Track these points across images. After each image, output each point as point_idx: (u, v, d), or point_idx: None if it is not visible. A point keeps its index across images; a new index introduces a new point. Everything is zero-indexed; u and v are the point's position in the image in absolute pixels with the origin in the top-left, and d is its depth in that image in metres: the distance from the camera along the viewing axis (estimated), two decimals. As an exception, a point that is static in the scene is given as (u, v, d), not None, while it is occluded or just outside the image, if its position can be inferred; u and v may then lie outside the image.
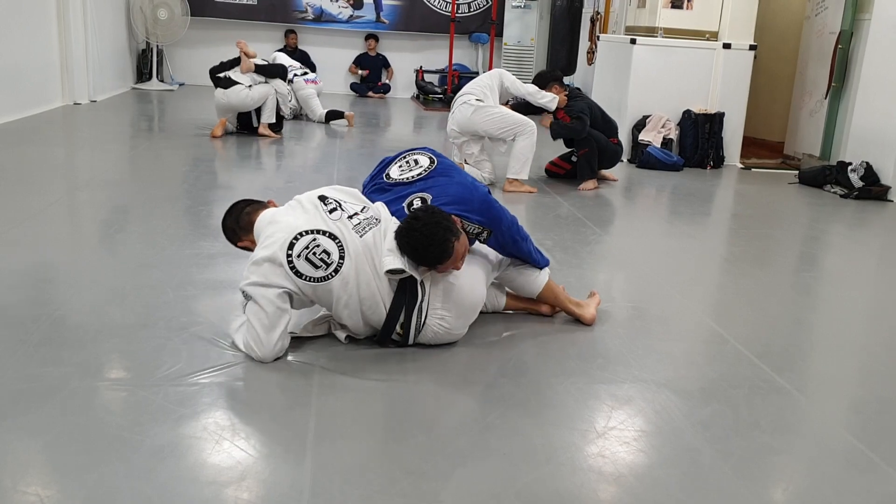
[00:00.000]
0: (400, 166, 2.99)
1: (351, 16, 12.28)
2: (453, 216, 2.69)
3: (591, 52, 9.26)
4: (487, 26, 12.09)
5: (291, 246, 2.53)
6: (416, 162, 2.98)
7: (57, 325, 2.80)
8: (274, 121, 7.52)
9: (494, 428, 2.26)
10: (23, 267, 3.43)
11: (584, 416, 2.36)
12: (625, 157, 7.22)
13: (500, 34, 12.01)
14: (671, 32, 7.15)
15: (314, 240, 2.55)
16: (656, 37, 7.13)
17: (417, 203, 2.82)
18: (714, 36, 7.16)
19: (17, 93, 7.64)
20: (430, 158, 2.98)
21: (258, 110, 7.43)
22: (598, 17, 9.32)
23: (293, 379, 2.50)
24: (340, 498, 1.88)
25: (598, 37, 8.57)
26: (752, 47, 7.16)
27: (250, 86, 7.25)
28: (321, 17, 12.23)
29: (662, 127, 7.06)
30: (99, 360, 2.56)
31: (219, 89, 7.24)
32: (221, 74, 7.26)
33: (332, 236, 2.58)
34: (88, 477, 1.91)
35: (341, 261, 2.56)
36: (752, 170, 7.22)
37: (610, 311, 3.29)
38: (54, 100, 8.65)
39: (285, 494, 1.88)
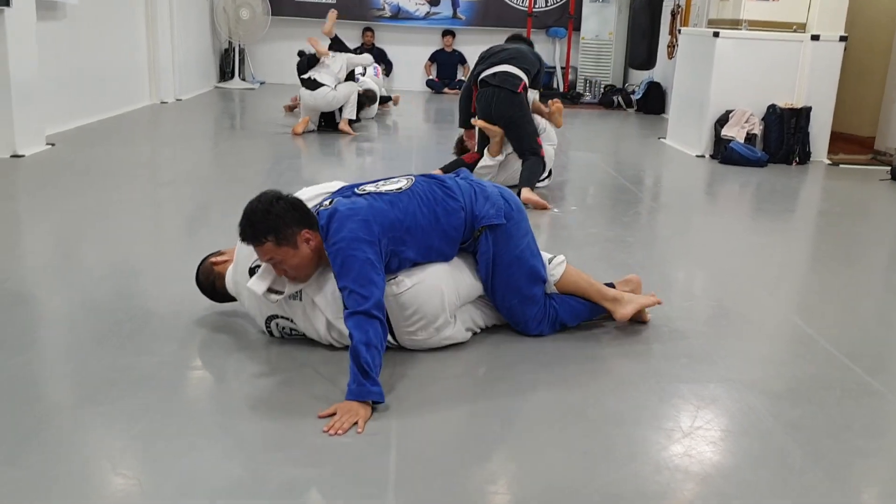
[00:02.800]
0: (377, 184, 2.70)
1: (427, 12, 12.33)
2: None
3: (672, 46, 9.07)
4: (565, 20, 11.99)
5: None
6: (394, 181, 2.72)
7: (146, 317, 2.89)
8: (355, 117, 7.61)
9: (574, 425, 2.24)
10: (111, 260, 3.55)
11: (668, 415, 2.33)
12: (707, 153, 7.07)
13: (577, 28, 11.89)
14: (756, 24, 6.95)
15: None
16: (740, 29, 6.94)
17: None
18: (802, 27, 6.94)
19: (107, 93, 7.93)
20: (410, 179, 2.72)
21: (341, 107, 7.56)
22: (679, 10, 9.13)
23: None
24: (422, 486, 1.90)
25: (679, 30, 8.40)
26: (842, 38, 6.90)
27: (335, 86, 7.36)
28: (398, 15, 12.31)
29: (746, 122, 6.87)
30: (188, 351, 2.64)
31: (304, 90, 7.38)
32: (307, 76, 7.39)
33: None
34: (182, 462, 1.97)
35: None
36: (841, 166, 6.97)
37: (693, 310, 3.23)
38: (142, 99, 8.94)
39: (371, 477, 1.90)
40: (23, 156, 5.58)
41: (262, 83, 12.06)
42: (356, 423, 2.13)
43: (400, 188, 2.62)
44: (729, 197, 5.92)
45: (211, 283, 2.88)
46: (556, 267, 2.88)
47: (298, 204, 2.51)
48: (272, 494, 1.84)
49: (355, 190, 2.64)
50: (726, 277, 3.76)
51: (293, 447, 2.06)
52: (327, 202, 2.55)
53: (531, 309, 2.77)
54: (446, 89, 12.21)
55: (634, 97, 10.94)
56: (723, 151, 6.80)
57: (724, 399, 2.43)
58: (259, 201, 2.47)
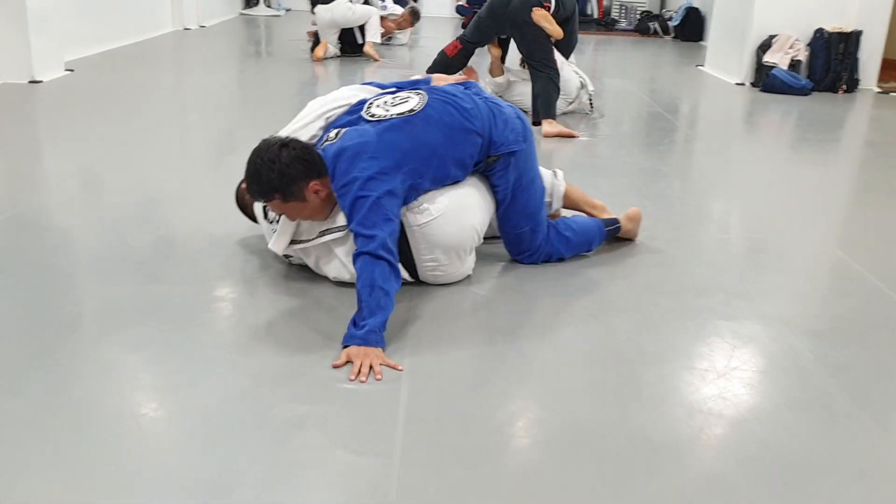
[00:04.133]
0: (385, 102, 2.49)
1: (458, -65, 11.88)
2: None
3: (713, -32, 8.64)
4: (600, -57, 11.52)
5: None
6: (404, 99, 2.49)
7: (161, 243, 2.79)
8: (378, 40, 7.37)
9: (601, 364, 2.10)
10: (130, 186, 3.44)
11: (703, 354, 2.18)
12: (747, 81, 6.75)
13: (613, -49, 11.43)
14: (804, -58, 6.55)
15: None
16: (787, -53, 6.55)
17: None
18: (853, -56, 6.53)
19: (129, 18, 7.75)
20: (422, 97, 2.48)
21: (362, 28, 7.30)
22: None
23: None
24: (435, 427, 1.78)
25: (722, -50, 7.97)
26: (896, -44, 6.50)
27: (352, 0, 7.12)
28: (427, -62, 11.89)
29: (790, 48, 6.53)
30: (201, 279, 2.53)
31: (320, 6, 7.13)
32: None
33: None
34: (185, 395, 1.87)
35: None
36: (891, 94, 6.63)
37: (730, 243, 3.06)
38: (164, 25, 8.75)
39: (380, 415, 1.79)
40: (41, 81, 5.46)
41: (287, 10, 11.79)
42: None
43: (412, 109, 2.42)
44: (769, 126, 5.65)
45: (244, 206, 2.78)
46: (561, 182, 2.83)
47: (303, 154, 2.26)
48: (277, 431, 1.74)
49: (363, 115, 2.44)
50: (765, 210, 3.56)
51: (301, 383, 1.94)
52: (332, 134, 2.38)
53: (539, 236, 2.65)
54: (477, 16, 11.85)
55: (672, 24, 10.53)
56: (764, 79, 6.49)
57: (762, 337, 2.27)
58: (261, 157, 2.23)
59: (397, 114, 2.40)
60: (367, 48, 7.27)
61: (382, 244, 2.14)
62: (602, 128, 5.00)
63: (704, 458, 1.72)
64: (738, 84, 6.79)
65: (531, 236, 2.64)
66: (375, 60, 7.23)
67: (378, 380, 1.96)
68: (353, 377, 1.95)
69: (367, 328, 2.05)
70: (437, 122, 2.40)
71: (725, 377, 2.04)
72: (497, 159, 2.50)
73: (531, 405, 1.93)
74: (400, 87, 2.65)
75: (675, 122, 5.37)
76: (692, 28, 10.05)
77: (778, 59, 6.49)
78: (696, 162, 4.52)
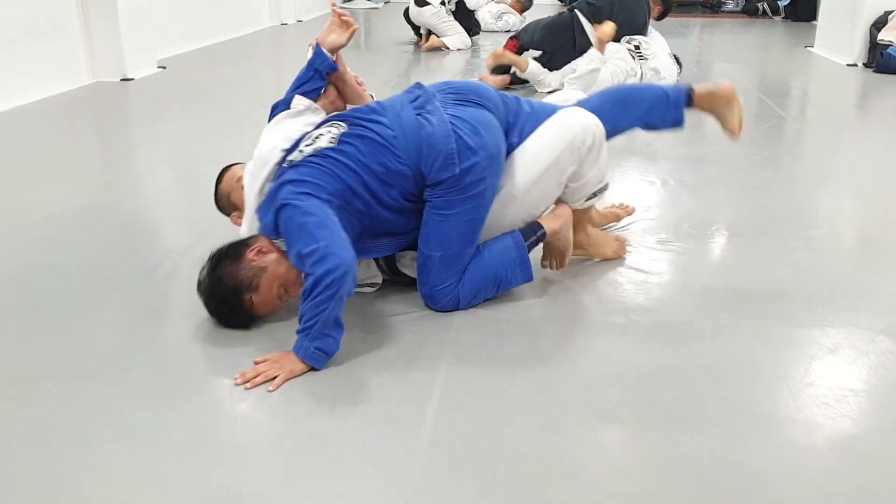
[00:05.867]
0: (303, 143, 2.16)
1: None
2: None
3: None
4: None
5: None
6: (317, 132, 2.18)
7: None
8: (458, 46, 7.33)
9: (658, 380, 1.90)
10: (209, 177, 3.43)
11: (774, 367, 1.95)
12: (860, 61, 6.27)
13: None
14: None
15: None
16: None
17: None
18: None
19: (225, 15, 7.88)
20: (338, 127, 2.16)
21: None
22: None
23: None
24: (461, 450, 1.64)
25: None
26: None
27: (443, 2, 7.09)
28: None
29: (909, 24, 6.02)
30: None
31: (413, 6, 7.34)
32: None
33: None
34: (198, 401, 1.80)
35: None
36: None
37: (823, 240, 2.78)
38: (262, 21, 8.88)
39: (403, 433, 1.67)
40: (132, 79, 5.58)
41: (386, 2, 11.80)
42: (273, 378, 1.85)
43: (326, 146, 2.09)
44: (883, 111, 5.20)
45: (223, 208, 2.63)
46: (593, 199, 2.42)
47: (227, 256, 2.06)
48: (294, 446, 1.64)
49: (283, 164, 2.13)
50: (872, 205, 3.23)
51: (320, 396, 1.84)
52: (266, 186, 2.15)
53: (449, 274, 2.17)
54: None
55: (782, 3, 9.96)
56: (878, 59, 6.00)
57: (846, 349, 2.02)
58: (208, 293, 2.07)
59: (311, 155, 2.09)
60: (430, 43, 7.24)
61: (321, 259, 1.87)
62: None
63: (770, 490, 1.51)
64: (849, 65, 6.32)
65: (439, 268, 2.16)
66: (443, 49, 7.22)
67: (269, 391, 1.83)
68: (237, 378, 1.85)
69: (302, 341, 1.89)
70: (351, 167, 2.06)
71: (798, 396, 1.81)
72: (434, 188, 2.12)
73: (578, 430, 1.76)
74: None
75: (777, 106, 5.00)
76: (804, 7, 9.48)
77: (894, 36, 5.99)
78: (795, 150, 4.19)
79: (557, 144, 2.22)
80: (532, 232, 2.25)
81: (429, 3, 7.20)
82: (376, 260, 2.31)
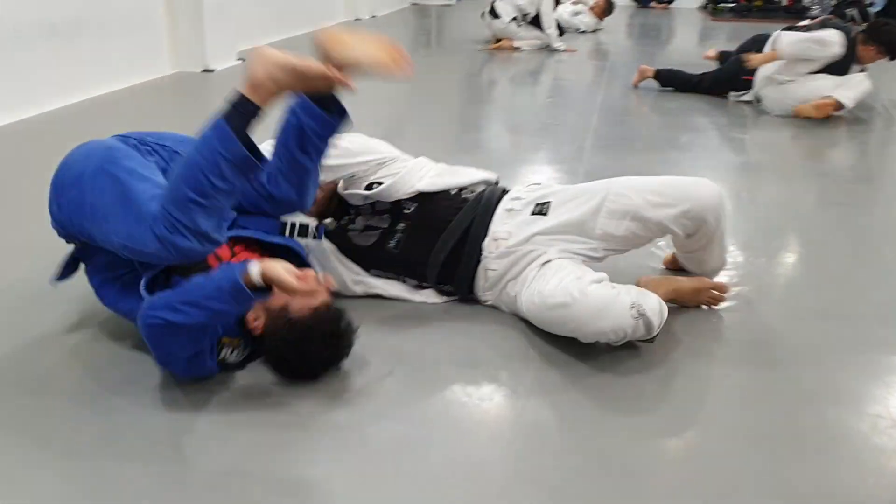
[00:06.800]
0: None
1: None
2: None
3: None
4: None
5: None
6: None
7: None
8: (529, 46, 7.22)
9: (752, 405, 1.83)
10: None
11: (875, 396, 1.86)
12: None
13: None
14: None
15: None
16: None
17: None
18: None
19: (302, 8, 7.96)
20: None
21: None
22: None
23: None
24: (551, 461, 1.60)
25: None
26: None
27: (514, 18, 7.01)
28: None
29: None
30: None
31: (487, 15, 7.26)
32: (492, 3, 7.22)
33: None
34: (281, 401, 1.79)
35: None
36: None
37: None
38: (337, 15, 8.93)
39: (492, 442, 1.64)
40: (213, 70, 5.67)
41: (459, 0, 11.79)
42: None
43: None
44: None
45: None
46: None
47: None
48: (378, 450, 1.63)
49: None
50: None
51: (406, 401, 1.82)
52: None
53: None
54: (653, 3, 11.37)
55: (873, 9, 9.63)
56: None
57: (954, 380, 1.93)
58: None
59: None
60: (498, 44, 7.19)
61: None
62: (770, 126, 4.56)
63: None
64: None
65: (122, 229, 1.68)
66: (569, 51, 7.11)
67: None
68: None
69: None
70: None
71: (901, 427, 1.73)
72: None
73: (672, 449, 1.71)
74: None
75: (867, 119, 4.82)
76: (896, 14, 9.14)
77: None
78: (887, 165, 4.03)
79: None
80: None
81: (500, 17, 7.15)
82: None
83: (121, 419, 1.69)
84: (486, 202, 2.18)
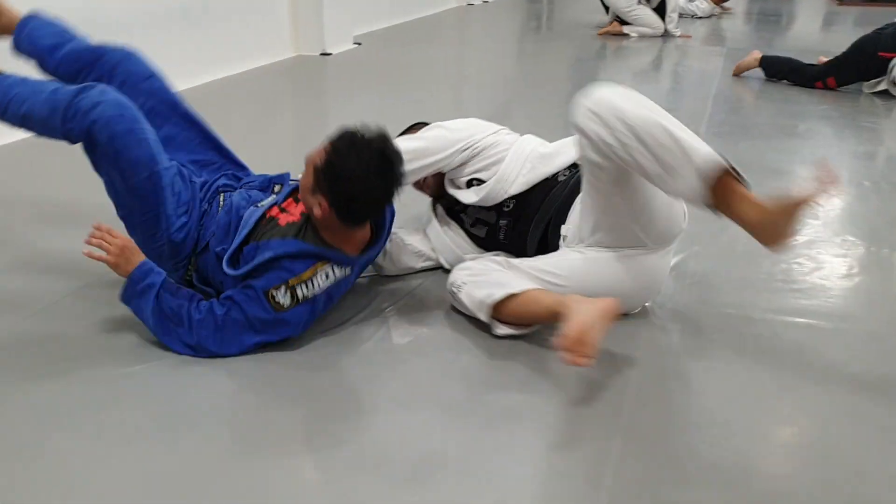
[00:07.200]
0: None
1: None
2: None
3: None
4: None
5: None
6: None
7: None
8: (632, 35, 7.06)
9: (868, 389, 1.81)
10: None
11: None
12: None
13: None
14: None
15: None
16: None
17: None
18: None
19: (416, -6, 8.10)
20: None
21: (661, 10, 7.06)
22: None
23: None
24: (657, 435, 1.63)
25: None
26: None
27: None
28: None
29: None
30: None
31: None
32: None
33: None
34: (408, 369, 1.88)
35: None
36: None
37: None
38: (449, 1, 9.02)
39: (600, 417, 1.68)
40: (330, 54, 5.85)
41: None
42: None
43: None
44: None
45: None
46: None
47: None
48: (489, 418, 1.69)
49: None
50: None
51: (520, 367, 1.88)
52: None
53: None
54: (774, -13, 10.96)
55: None
56: None
57: None
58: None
59: None
60: (608, 28, 7.08)
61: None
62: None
63: None
64: None
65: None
66: (685, 38, 7.00)
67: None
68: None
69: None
70: None
71: None
72: None
73: (770, 429, 1.72)
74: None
75: None
76: None
77: None
78: None
79: None
80: None
81: None
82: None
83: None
84: (572, 186, 2.13)
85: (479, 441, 1.61)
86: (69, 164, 2.41)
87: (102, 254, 1.92)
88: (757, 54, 5.27)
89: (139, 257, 1.92)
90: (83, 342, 1.94)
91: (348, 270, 1.98)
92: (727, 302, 2.22)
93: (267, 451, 1.58)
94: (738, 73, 5.32)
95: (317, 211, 1.88)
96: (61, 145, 1.99)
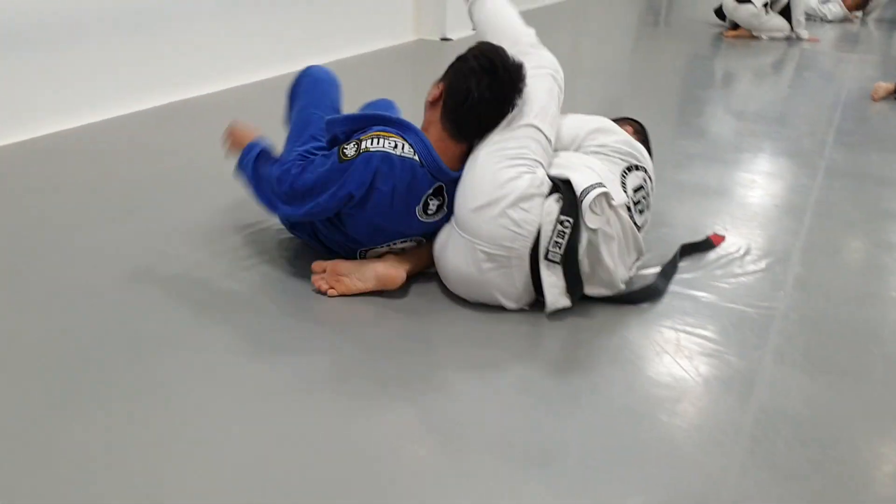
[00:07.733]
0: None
1: None
2: None
3: None
4: None
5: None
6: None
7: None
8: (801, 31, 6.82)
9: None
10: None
11: None
12: None
13: None
14: None
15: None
16: None
17: None
18: None
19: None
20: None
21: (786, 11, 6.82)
22: None
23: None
24: (783, 447, 1.63)
25: None
26: None
27: (766, 4, 6.63)
28: None
29: None
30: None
31: (731, 1, 6.76)
32: None
33: None
34: (530, 362, 1.93)
35: None
36: None
37: None
38: (571, -9, 8.97)
39: (722, 432, 1.69)
40: (451, 39, 5.92)
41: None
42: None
43: None
44: None
45: None
46: None
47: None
48: (619, 412, 1.72)
49: None
50: None
51: (645, 375, 1.90)
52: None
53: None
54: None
55: None
56: None
57: None
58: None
59: None
60: (737, 32, 6.83)
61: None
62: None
63: None
64: None
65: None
66: (813, 41, 6.78)
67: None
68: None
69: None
70: None
71: None
72: None
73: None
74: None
75: None
76: None
77: None
78: None
79: None
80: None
81: (750, 2, 6.61)
82: None
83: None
84: None
85: (602, 433, 1.65)
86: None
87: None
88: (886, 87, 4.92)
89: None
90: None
91: (418, 162, 2.02)
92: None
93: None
94: (877, 98, 4.97)
95: (434, 91, 2.10)
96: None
